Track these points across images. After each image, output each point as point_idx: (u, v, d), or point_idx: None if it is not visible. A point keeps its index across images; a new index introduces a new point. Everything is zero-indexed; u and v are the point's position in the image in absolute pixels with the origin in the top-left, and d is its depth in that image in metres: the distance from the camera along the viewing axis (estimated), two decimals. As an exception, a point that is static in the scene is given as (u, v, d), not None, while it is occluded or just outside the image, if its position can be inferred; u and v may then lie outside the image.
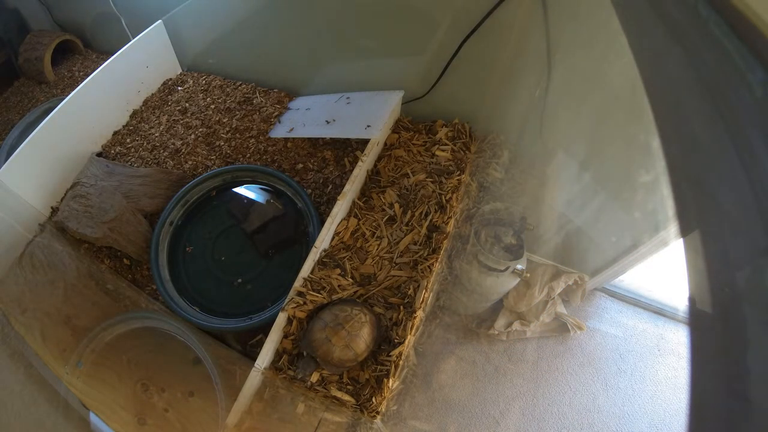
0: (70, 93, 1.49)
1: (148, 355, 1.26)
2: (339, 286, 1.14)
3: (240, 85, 1.78)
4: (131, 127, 1.72)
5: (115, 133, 1.71)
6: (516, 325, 1.80)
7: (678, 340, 1.88)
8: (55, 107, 1.44)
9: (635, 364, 1.82)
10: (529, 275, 1.65)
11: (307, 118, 1.56)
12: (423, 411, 1.63)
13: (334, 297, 1.13)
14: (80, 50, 2.12)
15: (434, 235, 1.23)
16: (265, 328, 1.10)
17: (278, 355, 1.10)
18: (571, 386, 1.75)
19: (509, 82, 1.35)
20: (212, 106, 1.72)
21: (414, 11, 1.30)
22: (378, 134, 1.35)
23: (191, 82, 1.85)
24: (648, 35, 0.58)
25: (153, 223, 1.42)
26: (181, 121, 1.70)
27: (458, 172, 1.35)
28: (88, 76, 1.54)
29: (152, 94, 1.83)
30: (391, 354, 1.06)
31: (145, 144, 1.65)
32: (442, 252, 1.21)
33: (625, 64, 0.99)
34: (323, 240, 1.20)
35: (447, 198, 1.29)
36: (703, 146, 0.41)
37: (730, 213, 0.36)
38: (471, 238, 1.48)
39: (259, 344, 1.11)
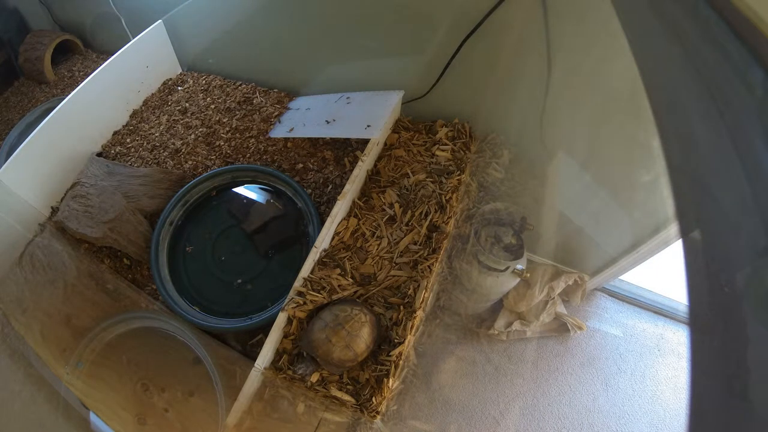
0: (70, 93, 1.49)
1: (148, 355, 1.26)
2: (339, 286, 1.14)
3: (240, 85, 1.78)
4: (131, 127, 1.72)
5: (115, 133, 1.71)
6: (516, 325, 1.80)
7: (678, 340, 1.88)
8: (55, 107, 1.44)
9: (635, 364, 1.82)
10: (529, 275, 1.65)
11: (307, 118, 1.56)
12: (423, 411, 1.63)
13: (334, 297, 1.13)
14: (80, 50, 2.12)
15: (434, 235, 1.23)
16: (265, 328, 1.10)
17: (278, 355, 1.10)
18: (571, 386, 1.75)
19: (509, 82, 1.35)
20: (212, 106, 1.72)
21: (414, 11, 1.30)
22: (378, 134, 1.35)
23: (191, 82, 1.85)
24: (648, 35, 0.58)
25: (153, 223, 1.42)
26: (181, 121, 1.70)
27: (458, 172, 1.35)
28: (88, 76, 1.54)
29: (152, 94, 1.83)
30: (391, 354, 1.06)
31: (145, 144, 1.65)
32: (442, 252, 1.21)
33: (625, 64, 0.99)
34: (323, 240, 1.20)
35: (447, 198, 1.29)
36: (703, 146, 0.41)
37: (730, 213, 0.36)
38: (471, 238, 1.48)
39: (259, 344, 1.11)
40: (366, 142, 1.37)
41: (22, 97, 1.99)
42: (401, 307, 1.12)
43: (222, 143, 1.60)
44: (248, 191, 1.47)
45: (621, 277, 1.85)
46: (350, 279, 1.17)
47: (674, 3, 0.50)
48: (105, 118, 1.67)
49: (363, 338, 1.04)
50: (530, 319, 1.80)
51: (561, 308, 1.86)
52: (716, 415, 0.33)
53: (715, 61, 0.41)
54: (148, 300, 1.30)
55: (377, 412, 1.01)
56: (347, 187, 1.27)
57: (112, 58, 1.59)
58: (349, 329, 1.03)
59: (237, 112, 1.68)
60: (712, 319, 0.35)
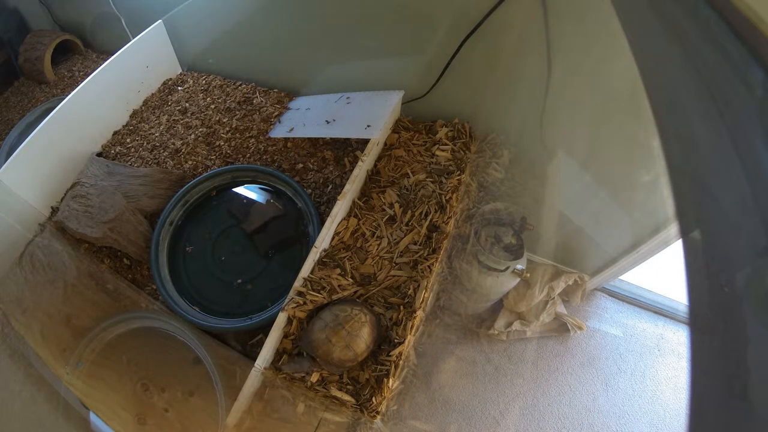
0: (70, 93, 1.49)
1: (148, 355, 1.26)
2: (339, 286, 1.14)
3: (240, 85, 1.78)
4: (131, 127, 1.72)
5: (115, 133, 1.71)
6: (516, 325, 1.80)
7: (678, 340, 1.88)
8: (55, 107, 1.44)
9: (635, 364, 1.82)
10: (529, 275, 1.65)
11: (307, 118, 1.56)
12: (423, 411, 1.63)
13: (334, 297, 1.13)
14: (80, 50, 2.12)
15: (434, 235, 1.23)
16: (265, 328, 1.10)
17: (278, 355, 1.10)
18: (571, 386, 1.75)
19: (509, 82, 1.35)
20: (212, 106, 1.72)
21: (414, 11, 1.30)
22: (378, 134, 1.35)
23: (191, 82, 1.85)
24: (648, 35, 0.58)
25: (153, 223, 1.42)
26: (181, 121, 1.70)
27: (458, 172, 1.35)
28: (88, 76, 1.54)
29: (152, 94, 1.83)
30: (391, 354, 1.06)
31: (145, 144, 1.65)
32: (442, 252, 1.21)
33: (625, 64, 0.99)
34: (323, 240, 1.20)
35: (447, 198, 1.29)
36: (703, 146, 0.41)
37: (730, 213, 0.36)
38: (471, 238, 1.48)
39: (259, 344, 1.11)
40: (366, 142, 1.37)
41: (22, 97, 1.98)
42: (401, 307, 1.12)
43: (222, 143, 1.60)
44: (248, 191, 1.47)
45: (621, 277, 1.85)
46: (350, 279, 1.17)
47: (674, 3, 0.50)
48: (105, 118, 1.67)
49: (363, 338, 1.04)
50: (530, 319, 1.80)
51: (561, 308, 1.86)
52: (716, 415, 0.33)
53: (715, 61, 0.41)
54: (148, 300, 1.30)
55: (377, 412, 1.01)
56: (347, 187, 1.27)
57: (112, 58, 1.59)
58: (349, 329, 1.03)
59: (237, 112, 1.68)
60: (712, 319, 0.35)
